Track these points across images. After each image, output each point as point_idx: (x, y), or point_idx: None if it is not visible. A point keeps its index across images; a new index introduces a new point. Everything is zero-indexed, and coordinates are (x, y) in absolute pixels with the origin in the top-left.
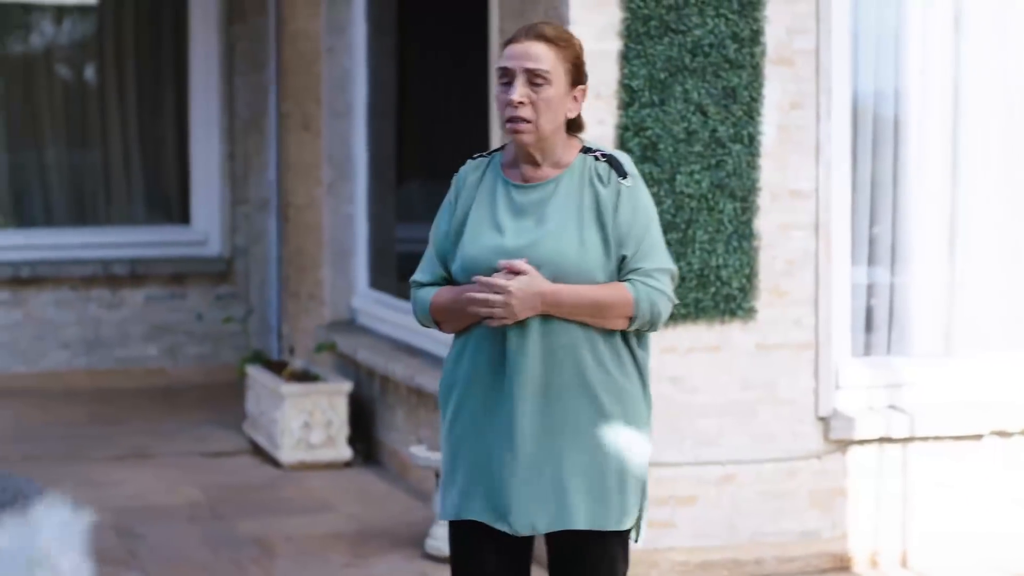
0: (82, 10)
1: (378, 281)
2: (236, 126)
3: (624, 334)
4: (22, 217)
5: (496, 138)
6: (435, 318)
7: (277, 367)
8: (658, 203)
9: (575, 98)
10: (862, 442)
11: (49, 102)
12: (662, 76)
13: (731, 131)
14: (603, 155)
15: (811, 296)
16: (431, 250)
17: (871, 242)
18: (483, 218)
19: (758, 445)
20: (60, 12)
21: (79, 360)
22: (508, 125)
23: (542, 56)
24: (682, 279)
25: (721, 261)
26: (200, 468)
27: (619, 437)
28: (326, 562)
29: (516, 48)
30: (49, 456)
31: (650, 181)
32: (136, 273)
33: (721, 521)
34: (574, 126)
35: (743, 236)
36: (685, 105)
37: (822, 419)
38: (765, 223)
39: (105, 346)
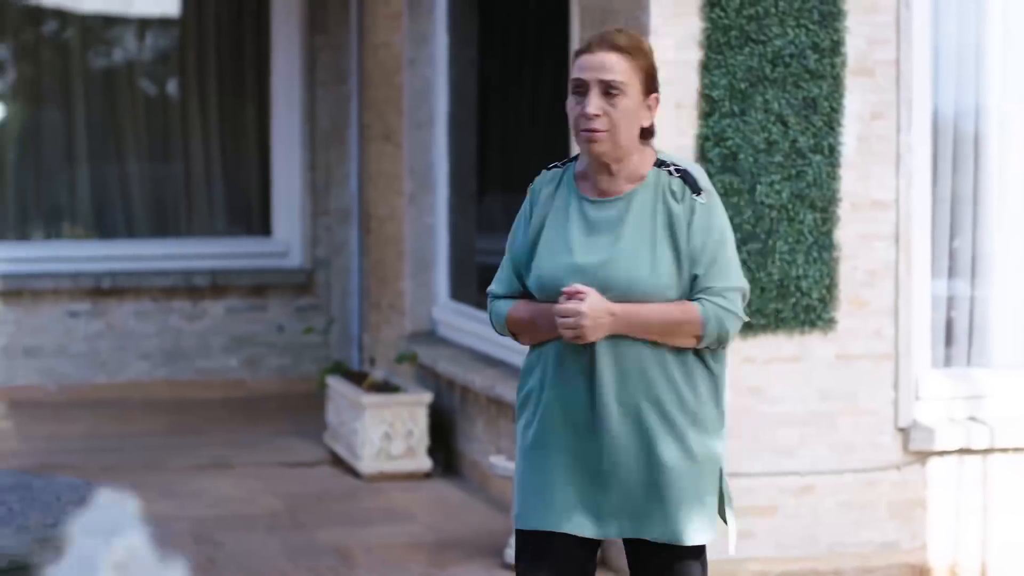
0: (164, 22)
1: (458, 292)
2: (317, 137)
3: (697, 349)
4: (104, 228)
5: (576, 148)
6: (511, 331)
7: (358, 378)
8: (738, 213)
9: (649, 107)
10: (942, 453)
11: (131, 114)
12: (742, 86)
13: (811, 141)
14: (677, 170)
15: (891, 307)
16: (507, 262)
17: (951, 255)
18: (557, 234)
19: (837, 456)
20: (142, 25)
21: (159, 371)
22: (583, 134)
23: (616, 66)
24: (762, 289)
25: (801, 272)
26: (280, 478)
27: (691, 453)
28: (405, 571)
29: (590, 59)
30: (129, 466)
31: (730, 191)
32: (217, 284)
33: (800, 532)
34: (646, 133)
35: (823, 247)
36: (765, 115)
37: (902, 430)
38: (845, 234)
39: (185, 357)
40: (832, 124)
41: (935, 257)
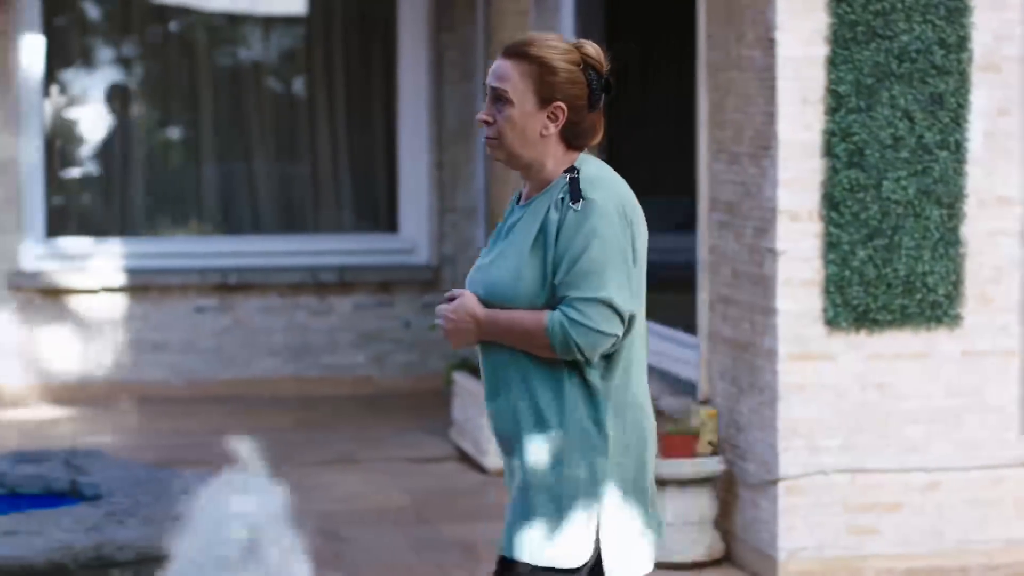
0: (290, 21)
1: None
2: (444, 135)
3: (575, 362)
4: (230, 224)
5: (704, 147)
6: None
7: None
8: (864, 209)
9: (551, 115)
10: None
11: (258, 112)
12: (869, 82)
13: (938, 137)
14: (572, 177)
15: (1017, 304)
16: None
17: None
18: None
19: (963, 452)
20: (268, 24)
21: (286, 367)
22: (487, 142)
23: (504, 74)
24: (887, 285)
25: (927, 268)
26: (406, 473)
27: (534, 468)
28: None
29: (492, 65)
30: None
31: (856, 187)
32: (344, 281)
33: (926, 528)
34: (576, 140)
35: (949, 243)
36: (892, 111)
37: None
38: (971, 230)
39: (312, 353)
40: (958, 120)
41: None
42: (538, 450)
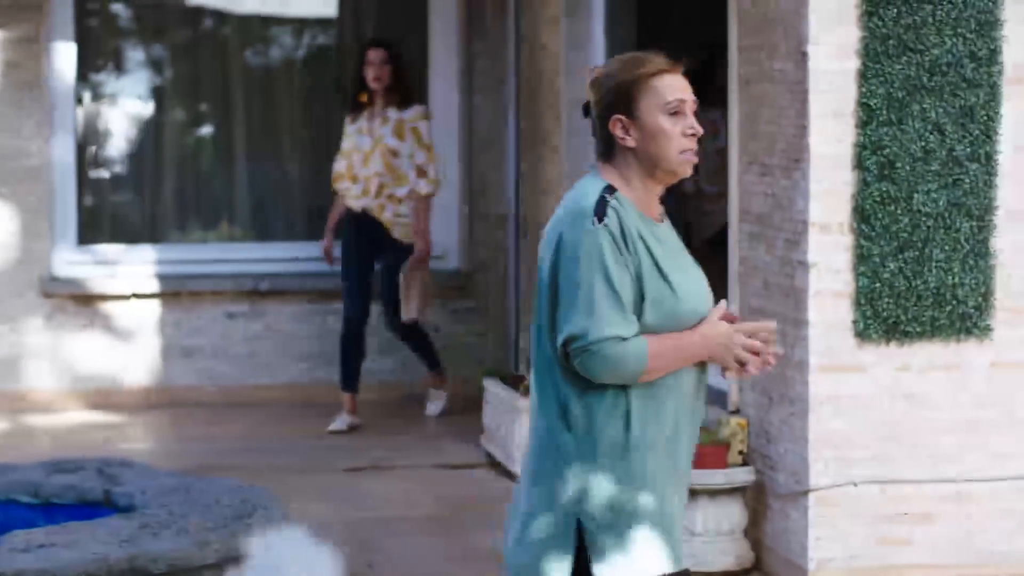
0: (321, 23)
1: None
2: (475, 142)
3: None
4: (262, 230)
5: (737, 155)
6: (650, 369)
7: (515, 381)
8: (895, 221)
9: None
10: None
11: (289, 116)
12: (900, 95)
13: (968, 150)
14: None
15: None
16: (620, 303)
17: None
18: (671, 265)
19: (993, 463)
20: (300, 25)
21: (318, 373)
22: (688, 156)
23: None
24: (918, 297)
25: (957, 280)
26: (437, 480)
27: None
28: None
29: (682, 80)
30: (288, 467)
31: (887, 199)
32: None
33: (957, 539)
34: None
35: (980, 255)
36: (923, 124)
37: None
38: (1002, 242)
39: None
40: (989, 132)
41: None
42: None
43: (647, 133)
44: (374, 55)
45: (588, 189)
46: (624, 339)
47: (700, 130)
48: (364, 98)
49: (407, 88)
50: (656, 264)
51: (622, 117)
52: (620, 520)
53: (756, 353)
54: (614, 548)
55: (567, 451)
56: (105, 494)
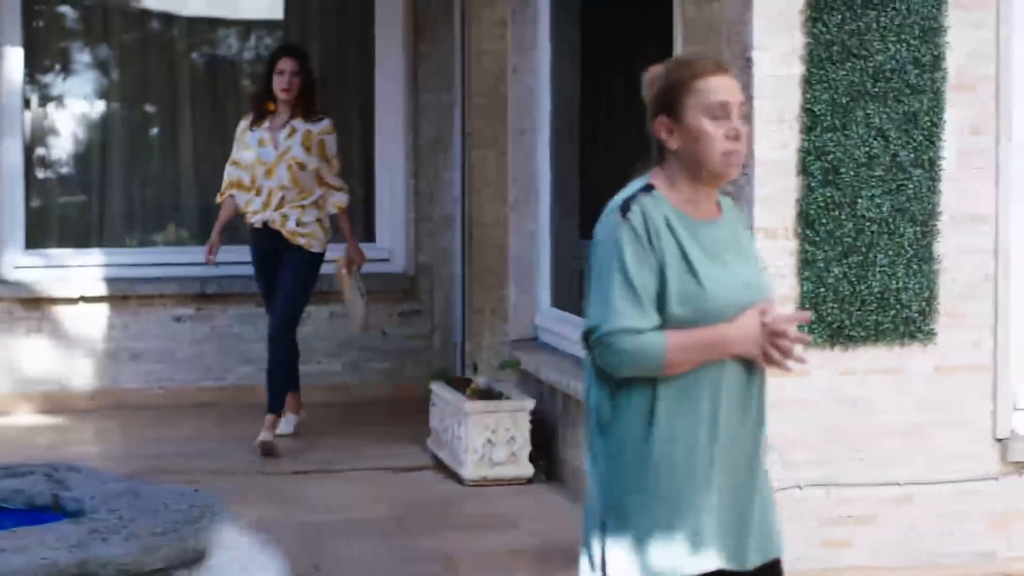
0: (268, 24)
1: (560, 300)
2: (421, 144)
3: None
4: (207, 233)
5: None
6: (670, 362)
7: (461, 384)
8: (839, 226)
9: None
10: None
11: (236, 118)
12: (844, 101)
13: (912, 156)
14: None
15: (990, 319)
16: (636, 296)
17: None
18: (699, 258)
19: (936, 466)
20: (246, 27)
21: (263, 375)
22: (731, 158)
23: (738, 89)
24: (862, 302)
25: (901, 284)
26: (384, 483)
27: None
28: None
29: (728, 81)
30: (235, 470)
31: (831, 205)
32: (320, 289)
33: (899, 541)
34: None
35: (923, 259)
36: (867, 130)
37: (1000, 441)
38: (945, 247)
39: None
40: (932, 138)
41: None
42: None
43: (690, 135)
44: (286, 64)
45: (628, 189)
46: (639, 332)
47: (743, 132)
48: (272, 107)
49: (313, 100)
50: (686, 258)
51: (666, 119)
52: (632, 516)
53: (784, 349)
54: (625, 546)
55: (596, 444)
56: (54, 498)
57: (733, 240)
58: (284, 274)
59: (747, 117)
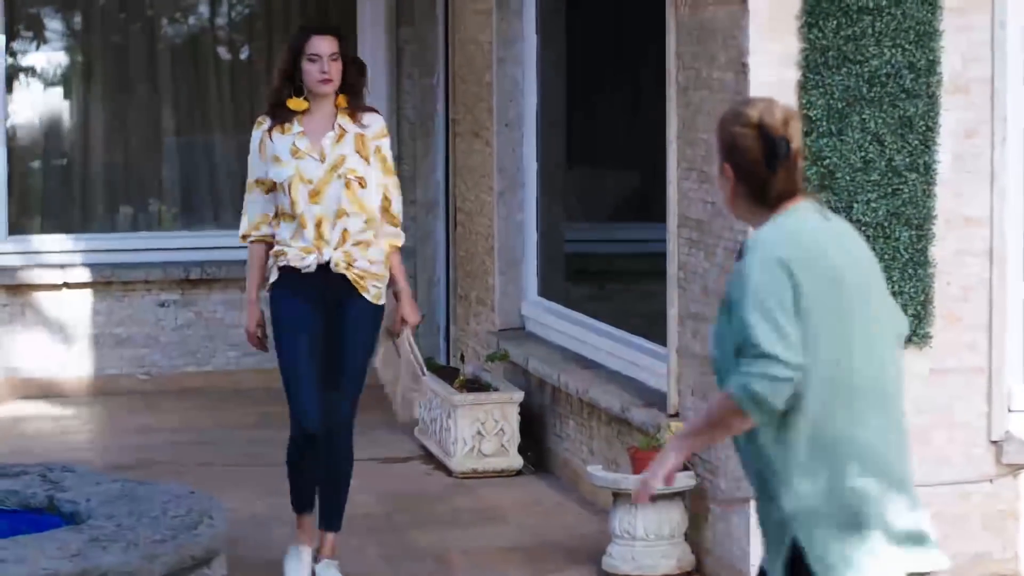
0: (247, 6)
1: (547, 290)
2: (404, 128)
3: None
4: (192, 219)
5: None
6: None
7: (449, 374)
8: None
9: (726, 177)
10: None
11: (219, 101)
12: (840, 106)
13: (907, 160)
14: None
15: (985, 322)
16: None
17: None
18: None
19: (931, 468)
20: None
21: (247, 359)
22: None
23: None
24: None
25: (897, 288)
26: (373, 473)
27: None
28: None
29: None
30: (224, 461)
31: (827, 209)
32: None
33: None
34: (766, 198)
35: (919, 263)
36: (862, 135)
37: (995, 443)
38: (940, 250)
39: (273, 346)
40: (928, 142)
41: None
42: None
43: None
44: (321, 45)
45: None
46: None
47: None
48: (303, 105)
49: (360, 91)
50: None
51: None
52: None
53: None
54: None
55: None
56: (49, 500)
57: None
58: (349, 336)
59: None
